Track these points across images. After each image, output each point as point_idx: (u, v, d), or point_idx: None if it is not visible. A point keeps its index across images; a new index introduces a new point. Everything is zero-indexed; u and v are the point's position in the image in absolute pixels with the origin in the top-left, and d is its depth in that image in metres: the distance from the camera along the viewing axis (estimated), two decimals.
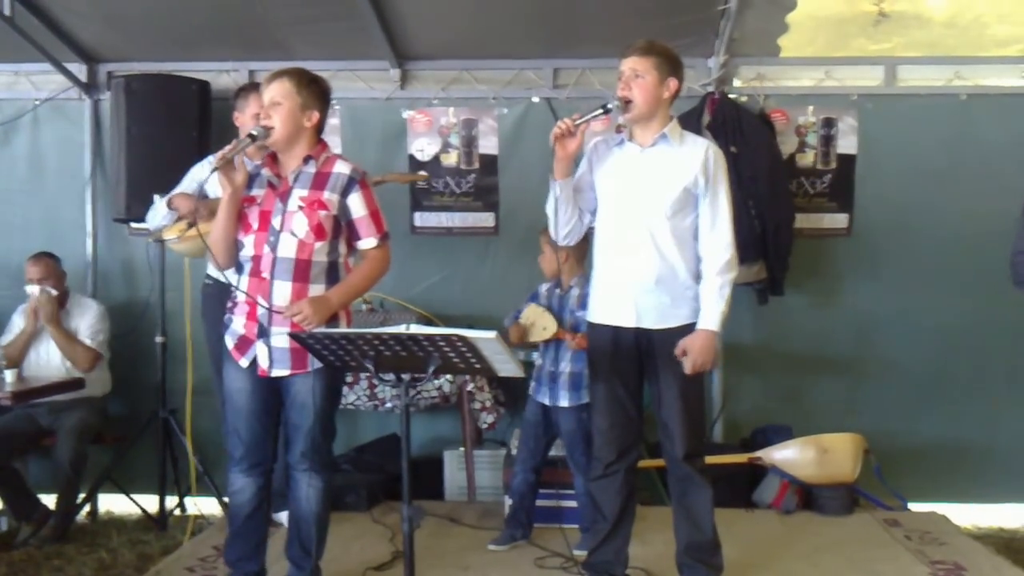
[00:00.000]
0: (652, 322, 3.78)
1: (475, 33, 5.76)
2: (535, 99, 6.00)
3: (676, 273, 3.76)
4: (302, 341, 3.51)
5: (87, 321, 5.49)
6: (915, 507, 5.51)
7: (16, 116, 6.08)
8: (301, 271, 3.68)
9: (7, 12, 5.31)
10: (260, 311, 3.68)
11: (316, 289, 3.71)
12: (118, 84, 5.57)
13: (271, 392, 3.78)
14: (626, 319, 3.81)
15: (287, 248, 3.67)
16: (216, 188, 4.91)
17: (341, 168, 3.77)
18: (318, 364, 3.66)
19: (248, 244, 3.71)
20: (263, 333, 3.69)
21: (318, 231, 3.69)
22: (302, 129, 3.74)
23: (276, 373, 3.72)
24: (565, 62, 5.95)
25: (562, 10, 5.48)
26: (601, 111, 3.77)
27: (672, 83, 3.77)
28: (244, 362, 3.74)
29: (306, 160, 3.74)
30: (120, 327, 5.79)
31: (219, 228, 3.71)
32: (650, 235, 3.74)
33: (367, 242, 3.83)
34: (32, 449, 5.50)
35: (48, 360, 5.43)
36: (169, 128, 5.47)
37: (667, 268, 3.75)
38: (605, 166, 3.88)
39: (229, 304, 3.83)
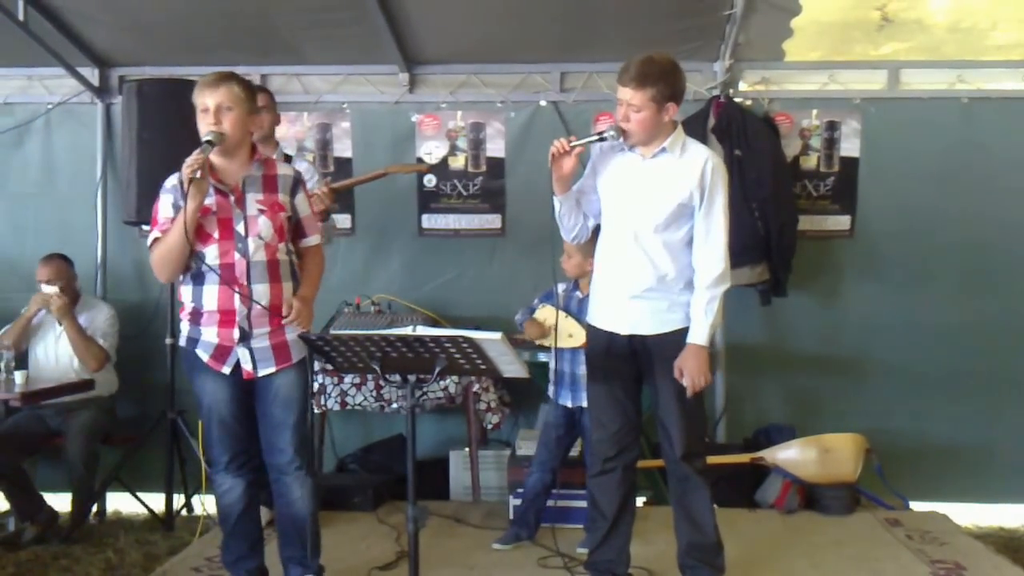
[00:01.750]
0: (646, 329, 3.79)
1: (483, 38, 5.80)
2: (542, 103, 6.06)
3: (669, 283, 3.76)
4: (312, 344, 3.56)
5: (99, 323, 5.54)
6: (916, 506, 5.52)
7: (29, 120, 6.15)
8: (274, 272, 3.70)
9: (21, 17, 5.38)
10: (239, 317, 3.65)
11: (287, 287, 3.75)
12: (130, 88, 5.58)
13: (248, 394, 3.79)
14: (620, 326, 3.83)
15: (258, 252, 3.67)
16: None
17: (284, 170, 3.82)
18: (299, 356, 3.74)
19: (211, 253, 3.65)
20: (245, 337, 3.69)
21: (280, 232, 3.72)
22: (247, 135, 3.74)
23: (263, 372, 3.73)
24: (572, 66, 6.00)
25: (569, 15, 5.52)
26: (597, 138, 3.78)
27: (671, 107, 3.69)
28: (226, 368, 3.72)
29: (255, 164, 3.74)
30: (130, 329, 5.83)
31: (179, 240, 3.57)
32: (642, 247, 3.75)
33: (313, 239, 3.90)
34: (40, 450, 5.52)
35: (57, 361, 5.48)
36: (180, 132, 5.41)
37: (659, 278, 3.75)
38: (607, 172, 3.89)
39: (188, 317, 3.76)
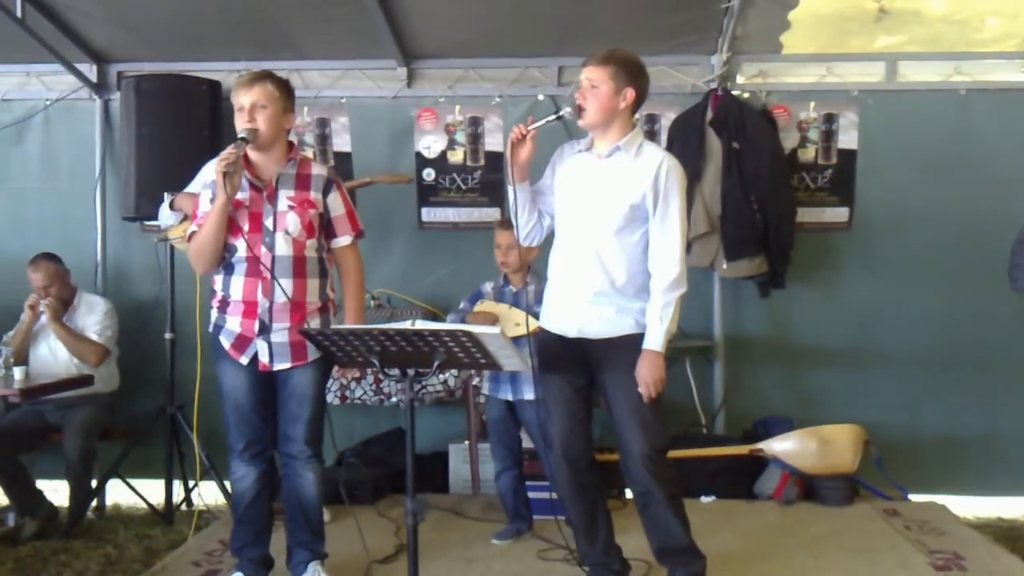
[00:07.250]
0: (594, 333, 3.74)
1: (481, 32, 5.81)
2: (540, 97, 6.06)
3: (620, 288, 3.71)
4: (312, 338, 3.57)
5: (94, 318, 5.55)
6: (915, 498, 5.55)
7: (28, 116, 6.17)
8: (299, 268, 3.83)
9: (18, 14, 5.39)
10: (261, 309, 3.77)
11: (312, 283, 3.87)
12: (128, 84, 5.61)
13: (267, 385, 3.90)
14: (569, 329, 3.79)
15: (283, 247, 3.79)
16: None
17: (318, 170, 3.94)
18: (316, 355, 3.79)
19: (240, 246, 3.78)
20: (264, 330, 3.79)
21: (309, 229, 3.84)
22: (282, 132, 3.84)
23: (278, 367, 3.84)
24: (570, 60, 5.97)
25: (567, 8, 5.52)
26: (554, 117, 3.75)
27: (629, 93, 3.67)
28: (244, 359, 3.84)
29: (288, 162, 3.85)
30: (130, 324, 5.85)
31: (213, 232, 3.74)
32: (595, 249, 3.71)
33: (343, 239, 3.98)
34: (40, 445, 5.51)
35: (56, 357, 5.48)
36: (179, 127, 5.51)
37: (610, 283, 3.71)
38: (563, 172, 3.86)
39: (217, 304, 3.90)
